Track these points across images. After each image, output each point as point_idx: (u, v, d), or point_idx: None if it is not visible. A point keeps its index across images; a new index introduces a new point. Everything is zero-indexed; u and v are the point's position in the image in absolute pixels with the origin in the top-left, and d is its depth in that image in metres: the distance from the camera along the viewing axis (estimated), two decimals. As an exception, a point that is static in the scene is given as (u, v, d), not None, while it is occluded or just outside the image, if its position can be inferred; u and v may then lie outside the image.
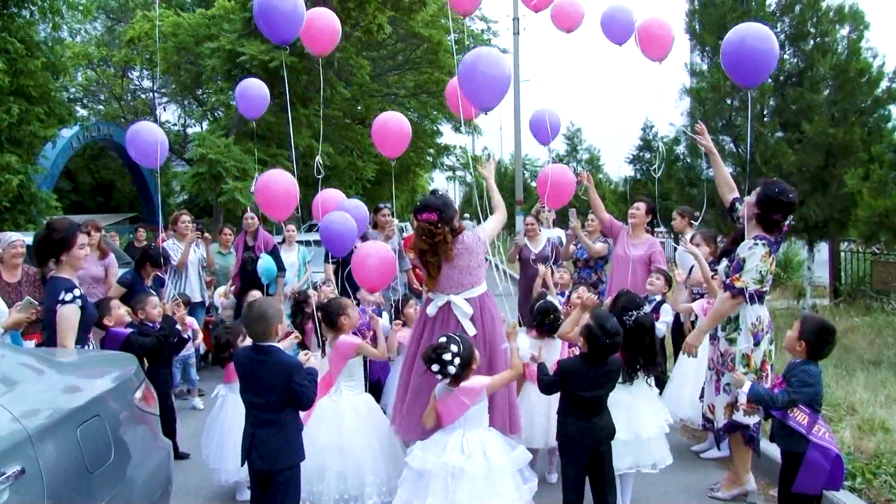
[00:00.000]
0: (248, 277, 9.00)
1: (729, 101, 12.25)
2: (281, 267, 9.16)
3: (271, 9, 5.61)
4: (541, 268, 7.09)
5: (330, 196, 7.01)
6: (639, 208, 7.26)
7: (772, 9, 12.32)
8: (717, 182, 5.52)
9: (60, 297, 4.54)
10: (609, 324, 4.22)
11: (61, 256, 4.75)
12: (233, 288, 9.23)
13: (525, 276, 8.59)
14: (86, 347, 4.86)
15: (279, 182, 6.08)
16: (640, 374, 4.76)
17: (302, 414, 4.20)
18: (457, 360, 4.10)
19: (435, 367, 4.13)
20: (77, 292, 4.62)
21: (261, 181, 6.21)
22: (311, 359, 4.43)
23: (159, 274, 7.63)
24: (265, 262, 8.96)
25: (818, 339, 4.15)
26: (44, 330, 4.82)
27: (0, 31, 13.56)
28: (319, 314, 5.25)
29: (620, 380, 4.50)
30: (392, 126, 7.19)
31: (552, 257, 8.47)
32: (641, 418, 4.69)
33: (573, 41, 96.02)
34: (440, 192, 5.07)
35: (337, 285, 7.02)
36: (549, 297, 5.78)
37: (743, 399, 4.37)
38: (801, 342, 4.16)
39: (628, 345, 4.55)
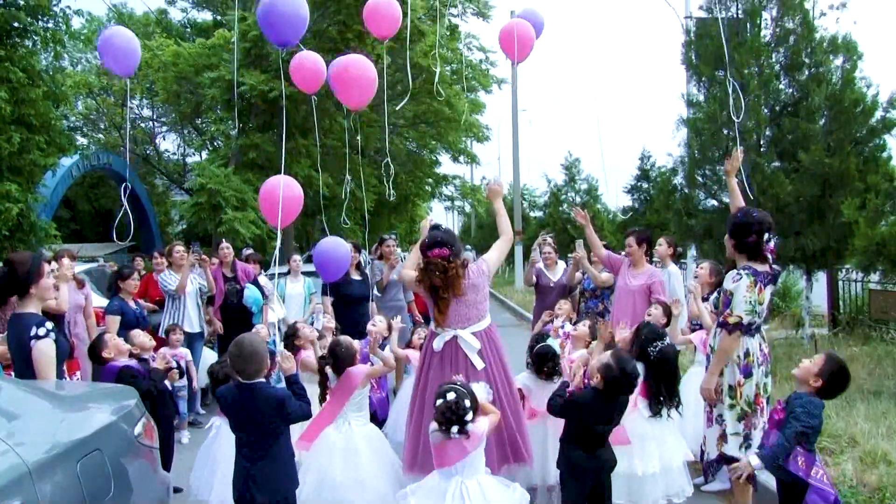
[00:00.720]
0: (231, 309, 9.02)
1: (726, 132, 12.32)
2: (263, 295, 9.19)
3: (274, 11, 5.76)
4: (564, 305, 7.02)
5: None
6: (630, 244, 7.29)
7: (766, 40, 12.43)
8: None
9: (33, 333, 4.37)
10: (629, 366, 4.26)
11: (30, 289, 4.53)
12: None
13: (542, 304, 8.53)
14: (64, 380, 4.76)
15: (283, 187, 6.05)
16: (665, 408, 4.77)
17: (299, 442, 4.20)
18: (470, 413, 4.02)
19: (455, 429, 3.96)
20: (49, 325, 4.48)
21: (264, 188, 6.20)
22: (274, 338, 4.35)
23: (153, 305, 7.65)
24: (252, 292, 8.97)
25: (836, 382, 4.09)
26: (7, 368, 4.67)
27: (3, 61, 13.65)
28: (328, 358, 5.20)
29: (649, 413, 4.50)
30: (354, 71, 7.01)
31: (572, 289, 8.52)
32: (670, 449, 4.69)
33: (570, 72, 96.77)
34: (443, 227, 5.09)
35: (336, 320, 7.04)
36: (550, 339, 5.79)
37: (756, 462, 4.16)
38: (819, 379, 4.08)
39: (653, 376, 4.56)
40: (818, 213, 11.46)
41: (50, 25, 15.47)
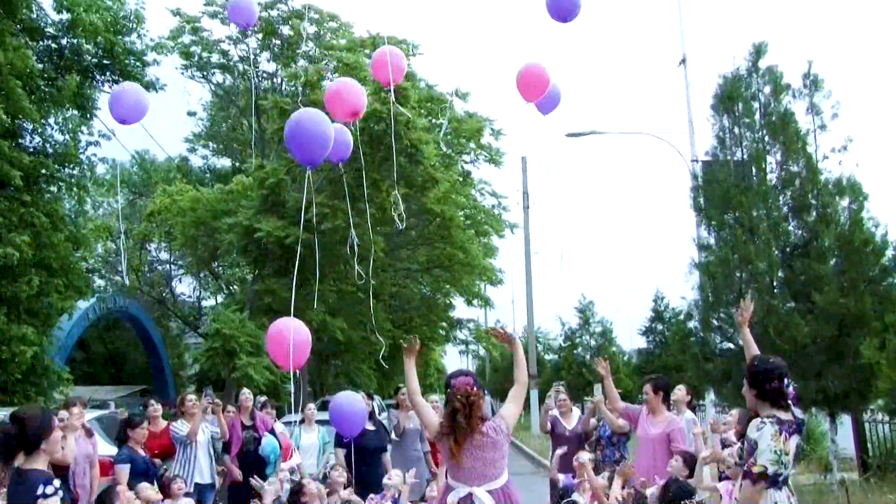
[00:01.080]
0: (248, 458, 8.81)
1: (739, 275, 12.38)
2: (279, 445, 9.02)
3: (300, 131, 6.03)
4: (583, 455, 6.83)
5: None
6: (647, 392, 7.18)
7: (773, 183, 12.69)
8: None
9: (40, 492, 4.11)
10: None
11: (40, 446, 4.30)
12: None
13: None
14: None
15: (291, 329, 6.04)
16: None
17: None
18: None
19: None
20: (56, 483, 4.24)
21: (271, 330, 6.21)
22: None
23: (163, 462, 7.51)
24: (269, 442, 8.79)
25: None
26: None
27: (28, 206, 14.02)
28: None
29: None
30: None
31: (589, 435, 8.33)
32: None
33: (582, 214, 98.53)
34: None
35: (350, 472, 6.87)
36: (576, 496, 5.62)
37: None
38: None
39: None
40: (837, 354, 11.32)
41: (75, 172, 16.03)
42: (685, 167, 16.87)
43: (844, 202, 12.06)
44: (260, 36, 24.65)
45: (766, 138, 12.91)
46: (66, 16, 15.20)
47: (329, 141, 6.18)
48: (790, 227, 12.35)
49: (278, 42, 24.81)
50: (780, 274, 12.29)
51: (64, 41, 15.62)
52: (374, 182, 19.76)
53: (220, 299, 29.28)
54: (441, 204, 22.79)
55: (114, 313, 26.07)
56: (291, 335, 5.94)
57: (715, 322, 12.91)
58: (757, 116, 13.11)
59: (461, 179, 26.86)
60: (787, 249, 12.31)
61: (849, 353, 11.16)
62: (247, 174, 21.71)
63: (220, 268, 27.17)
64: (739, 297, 12.48)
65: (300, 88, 21.47)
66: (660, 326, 23.02)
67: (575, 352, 27.14)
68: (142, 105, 7.37)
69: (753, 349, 5.45)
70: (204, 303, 33.61)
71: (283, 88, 25.90)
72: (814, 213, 12.24)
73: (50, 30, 15.48)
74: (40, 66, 14.87)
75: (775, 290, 12.15)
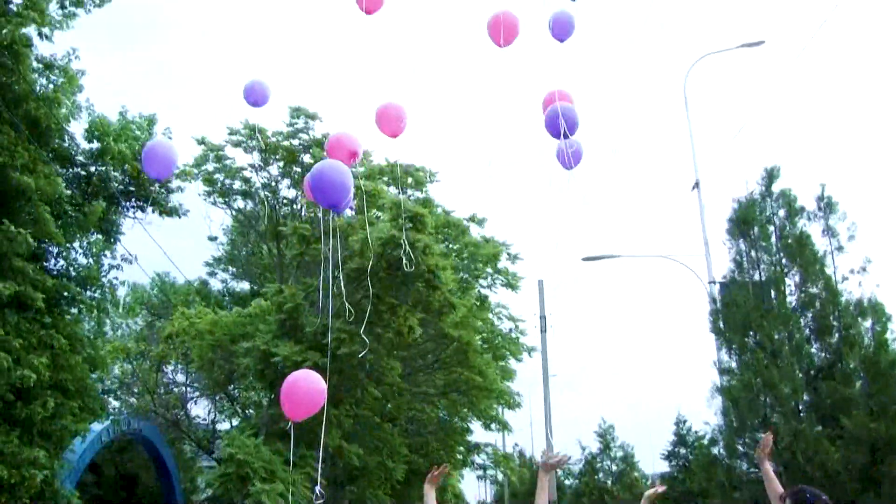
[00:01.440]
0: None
1: (763, 399, 12.14)
2: None
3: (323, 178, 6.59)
4: None
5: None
6: None
7: (793, 305, 12.62)
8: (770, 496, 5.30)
9: None
10: None
11: None
12: None
13: None
14: None
15: (305, 380, 6.56)
16: None
17: None
18: None
19: None
20: None
21: (285, 382, 6.58)
22: None
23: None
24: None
25: None
26: None
27: (49, 328, 14.08)
28: None
29: None
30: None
31: None
32: None
33: (600, 338, 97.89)
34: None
35: None
36: None
37: None
38: None
39: None
40: (871, 482, 10.94)
41: (97, 295, 16.20)
42: (702, 288, 16.88)
43: (867, 323, 11.96)
44: (281, 163, 25.35)
45: (784, 261, 12.95)
46: (95, 145, 15.78)
47: (350, 188, 6.78)
48: (813, 350, 12.20)
49: (299, 169, 25.50)
50: (805, 397, 12.05)
51: (92, 168, 16.12)
52: (391, 307, 19.83)
53: (234, 422, 28.87)
54: (458, 328, 22.77)
55: (127, 435, 25.74)
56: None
57: (741, 448, 12.57)
58: (773, 239, 13.20)
59: (478, 304, 26.91)
60: (811, 372, 12.12)
61: (885, 481, 10.78)
62: (265, 298, 21.85)
63: (236, 391, 26.94)
64: (764, 422, 12.23)
65: (319, 214, 21.92)
66: (683, 450, 22.40)
67: (596, 477, 26.33)
68: (171, 161, 7.89)
69: (776, 486, 5.30)
70: (219, 426, 33.13)
71: (302, 214, 26.40)
72: (836, 335, 12.11)
73: (80, 157, 16.01)
74: (69, 192, 15.30)
75: (801, 415, 11.87)
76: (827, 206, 12.73)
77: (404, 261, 16.15)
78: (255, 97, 8.55)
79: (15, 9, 13.24)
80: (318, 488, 5.97)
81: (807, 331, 12.43)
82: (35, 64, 14.49)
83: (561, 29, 7.99)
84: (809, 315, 12.52)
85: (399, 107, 8.19)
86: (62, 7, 14.89)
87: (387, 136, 8.26)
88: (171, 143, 8.53)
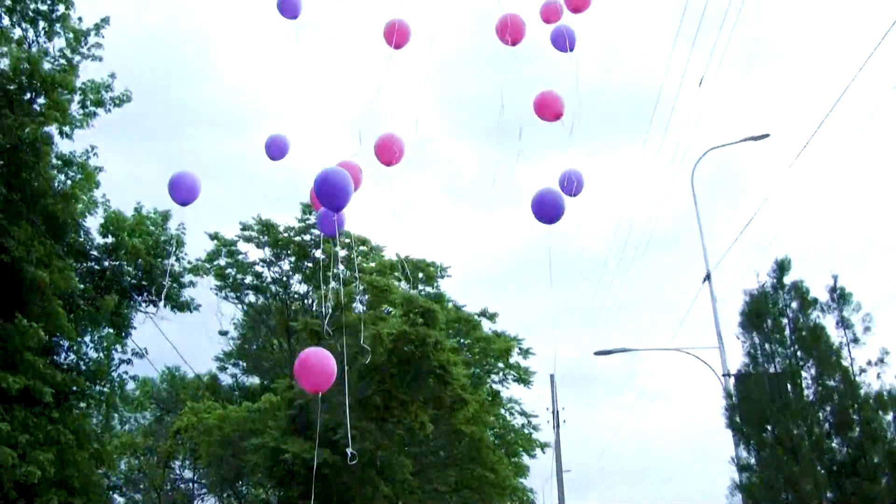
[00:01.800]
0: None
1: (784, 496, 11.78)
2: None
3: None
4: None
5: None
6: None
7: (810, 398, 12.38)
8: None
9: None
10: None
11: None
12: None
13: None
14: None
15: (318, 355, 6.58)
16: None
17: None
18: None
19: None
20: None
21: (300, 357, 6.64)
22: None
23: None
24: None
25: None
26: None
27: (56, 423, 13.93)
28: None
29: None
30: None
31: None
32: None
33: (613, 429, 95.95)
34: None
35: None
36: None
37: None
38: None
39: None
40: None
41: (106, 389, 16.10)
42: (716, 380, 16.66)
43: (889, 416, 11.69)
44: (292, 259, 25.55)
45: (799, 353, 12.77)
46: (110, 239, 15.99)
47: (351, 192, 6.82)
48: (834, 445, 11.89)
49: (310, 265, 25.66)
50: (828, 495, 11.68)
51: (106, 263, 16.29)
52: (402, 403, 19.62)
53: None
54: (470, 424, 22.45)
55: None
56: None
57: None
58: (787, 332, 13.05)
59: (490, 399, 26.60)
60: (834, 468, 11.77)
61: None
62: (275, 393, 21.65)
63: (244, 487, 26.38)
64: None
65: (329, 309, 21.92)
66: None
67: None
68: (195, 187, 7.95)
69: None
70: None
71: (313, 309, 26.42)
72: (857, 430, 11.82)
73: (94, 252, 16.21)
74: (82, 286, 15.42)
75: (825, 513, 11.50)
76: (840, 297, 12.62)
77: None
78: (275, 150, 8.63)
79: (38, 108, 13.66)
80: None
81: (826, 425, 12.14)
82: (54, 161, 14.86)
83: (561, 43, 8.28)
84: (828, 409, 12.25)
85: (399, 139, 8.35)
86: (83, 107, 15.35)
87: (383, 164, 8.36)
88: (196, 175, 8.62)
